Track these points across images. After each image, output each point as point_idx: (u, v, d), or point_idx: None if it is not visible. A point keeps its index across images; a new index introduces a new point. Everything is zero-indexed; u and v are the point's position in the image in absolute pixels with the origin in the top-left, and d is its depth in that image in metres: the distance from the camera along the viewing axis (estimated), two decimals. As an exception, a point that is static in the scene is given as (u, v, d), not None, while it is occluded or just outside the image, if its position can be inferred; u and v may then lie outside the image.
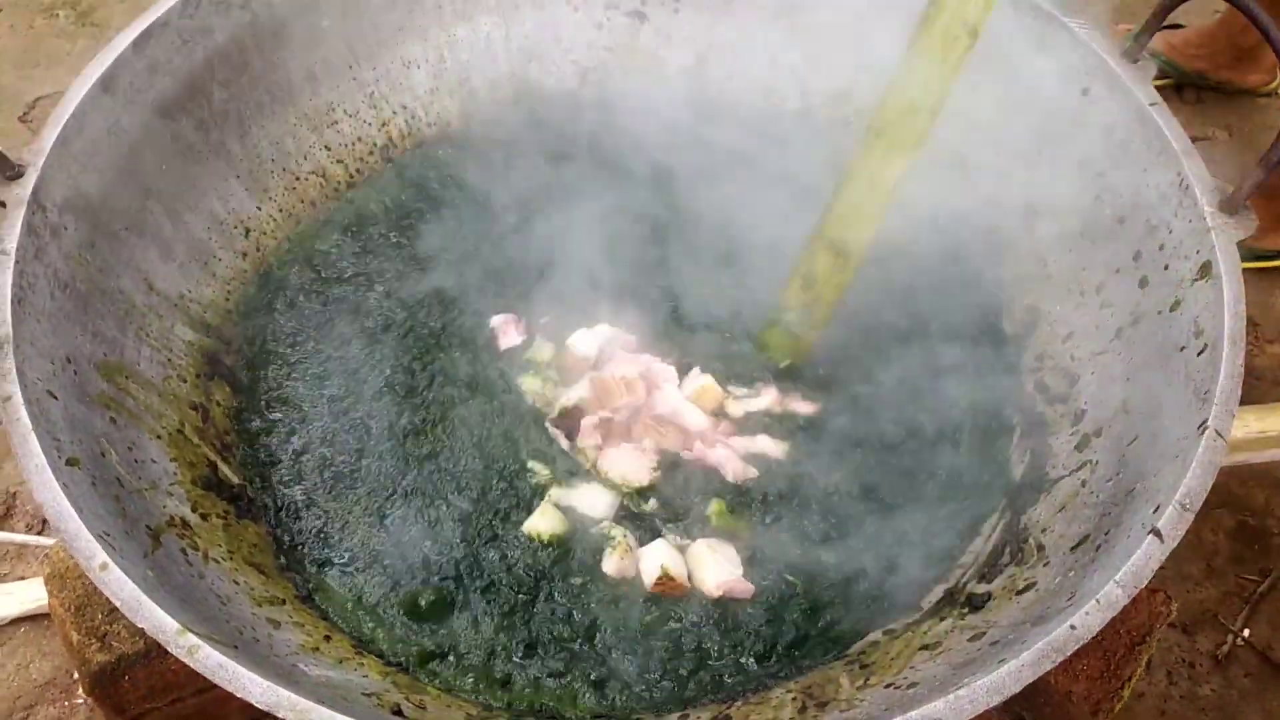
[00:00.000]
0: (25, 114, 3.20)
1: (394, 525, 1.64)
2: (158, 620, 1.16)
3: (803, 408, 1.79)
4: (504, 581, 1.58)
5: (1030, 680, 1.17)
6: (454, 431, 1.72)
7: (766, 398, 1.78)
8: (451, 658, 1.52)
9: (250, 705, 1.14)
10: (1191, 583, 2.39)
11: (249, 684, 1.12)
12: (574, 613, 1.56)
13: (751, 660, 1.53)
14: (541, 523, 1.62)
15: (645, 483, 1.68)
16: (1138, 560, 1.24)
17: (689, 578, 1.58)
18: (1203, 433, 1.37)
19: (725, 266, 1.95)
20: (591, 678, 1.51)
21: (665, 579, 1.56)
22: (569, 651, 1.53)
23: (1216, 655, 2.29)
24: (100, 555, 1.19)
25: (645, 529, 1.65)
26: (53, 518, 1.22)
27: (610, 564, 1.59)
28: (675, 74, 2.16)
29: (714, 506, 1.66)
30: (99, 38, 3.45)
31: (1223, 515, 2.50)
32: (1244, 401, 2.64)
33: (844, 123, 2.10)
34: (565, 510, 1.65)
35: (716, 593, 1.56)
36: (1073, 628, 1.19)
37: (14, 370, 1.31)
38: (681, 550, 1.62)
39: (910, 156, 1.66)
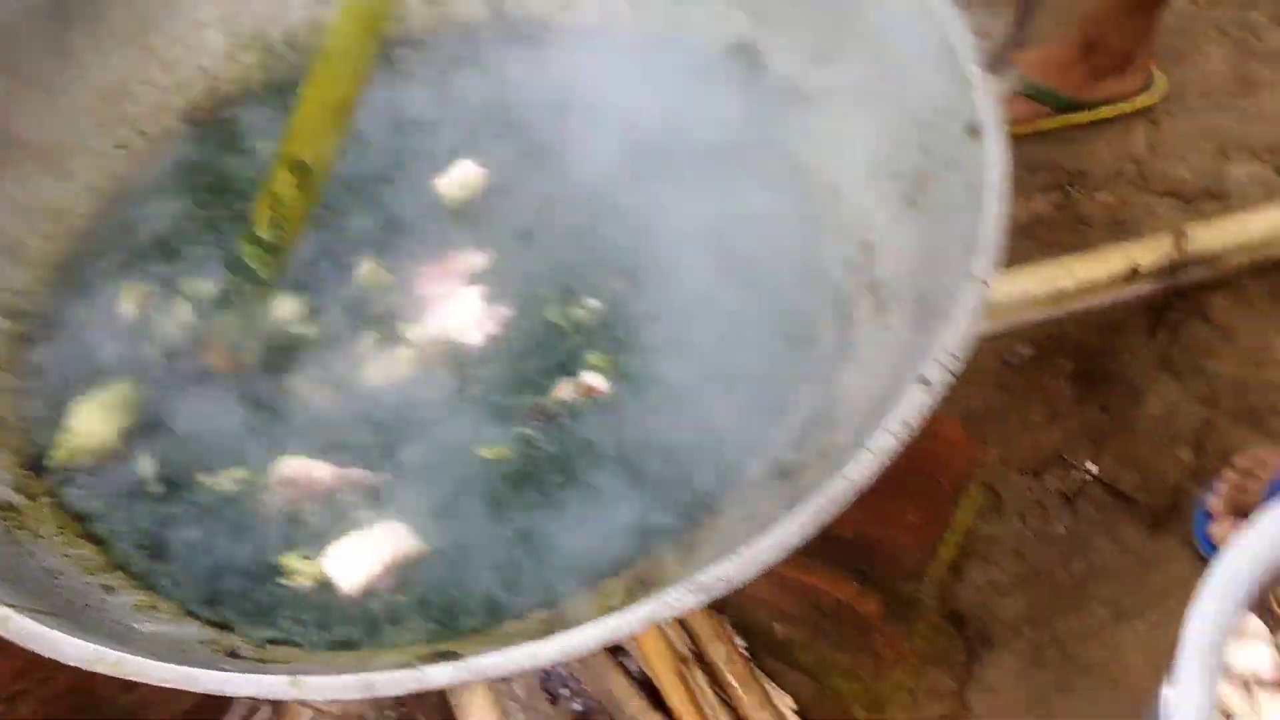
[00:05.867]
0: None
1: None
2: (-40, 600, 1.19)
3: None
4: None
5: (813, 531, 1.24)
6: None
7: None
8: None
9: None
10: (1037, 430, 2.51)
11: (65, 645, 1.16)
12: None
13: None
14: None
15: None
16: (906, 408, 1.31)
17: None
18: (969, 283, 1.44)
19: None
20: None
21: None
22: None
23: (1065, 493, 2.42)
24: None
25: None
26: None
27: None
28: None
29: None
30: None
31: (1064, 362, 2.62)
32: (1075, 249, 2.76)
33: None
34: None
35: None
36: (846, 478, 1.27)
37: None
38: None
39: (360, 81, 1.68)
